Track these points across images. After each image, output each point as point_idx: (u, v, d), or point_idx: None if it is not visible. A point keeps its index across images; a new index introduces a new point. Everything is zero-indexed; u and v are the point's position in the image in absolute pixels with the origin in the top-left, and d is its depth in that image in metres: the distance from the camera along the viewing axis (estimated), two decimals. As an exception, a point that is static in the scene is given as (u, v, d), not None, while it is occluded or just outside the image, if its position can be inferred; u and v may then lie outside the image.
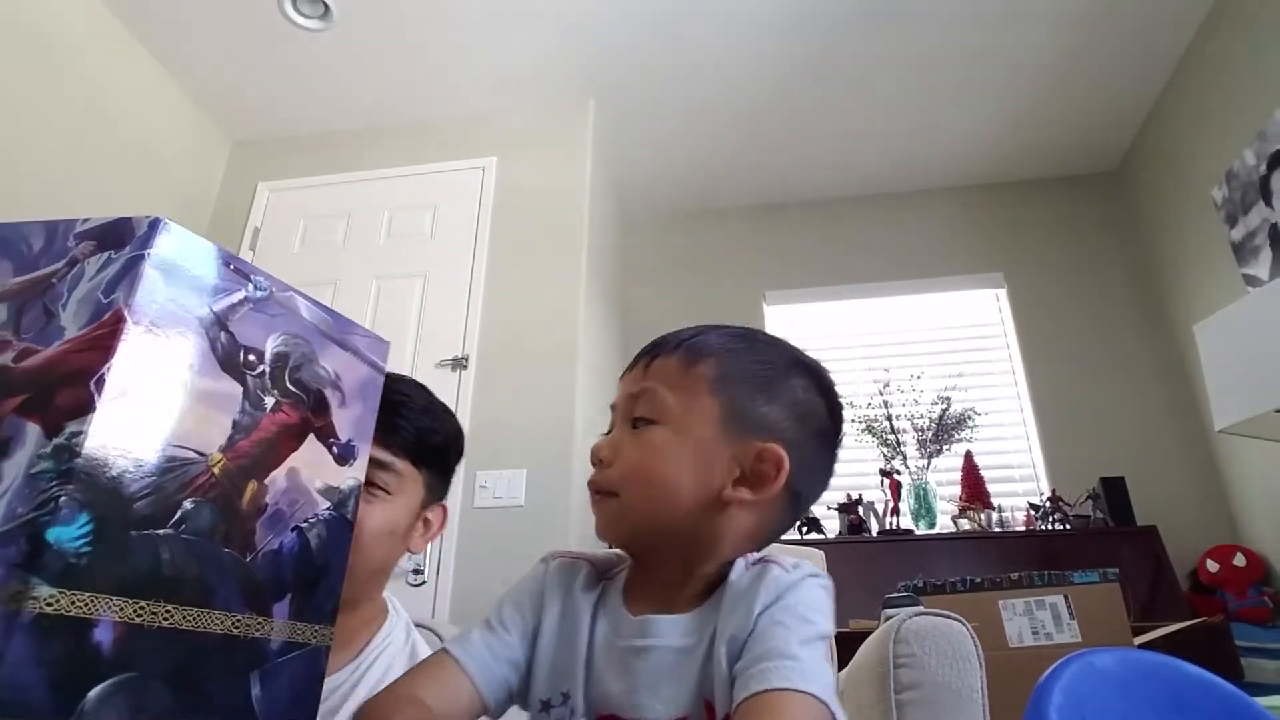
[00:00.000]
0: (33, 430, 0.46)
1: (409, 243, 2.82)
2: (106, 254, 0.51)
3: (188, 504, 0.51)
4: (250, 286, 0.58)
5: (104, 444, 0.47)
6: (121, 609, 0.46)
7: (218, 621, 0.52)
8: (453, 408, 2.63)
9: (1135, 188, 3.27)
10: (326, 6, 2.56)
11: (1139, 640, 1.83)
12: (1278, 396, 1.82)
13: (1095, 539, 2.57)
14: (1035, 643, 1.63)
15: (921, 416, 2.93)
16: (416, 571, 2.25)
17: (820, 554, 1.59)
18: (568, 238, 2.73)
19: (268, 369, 0.58)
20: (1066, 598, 1.69)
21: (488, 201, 2.82)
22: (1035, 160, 3.36)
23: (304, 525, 0.60)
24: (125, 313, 0.49)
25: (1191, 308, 2.81)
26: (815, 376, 0.68)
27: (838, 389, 0.69)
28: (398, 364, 2.56)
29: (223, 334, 0.55)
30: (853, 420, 3.03)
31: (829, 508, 2.86)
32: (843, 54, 2.78)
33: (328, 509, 0.62)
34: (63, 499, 0.44)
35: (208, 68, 2.83)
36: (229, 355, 0.55)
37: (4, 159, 2.20)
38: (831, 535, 2.78)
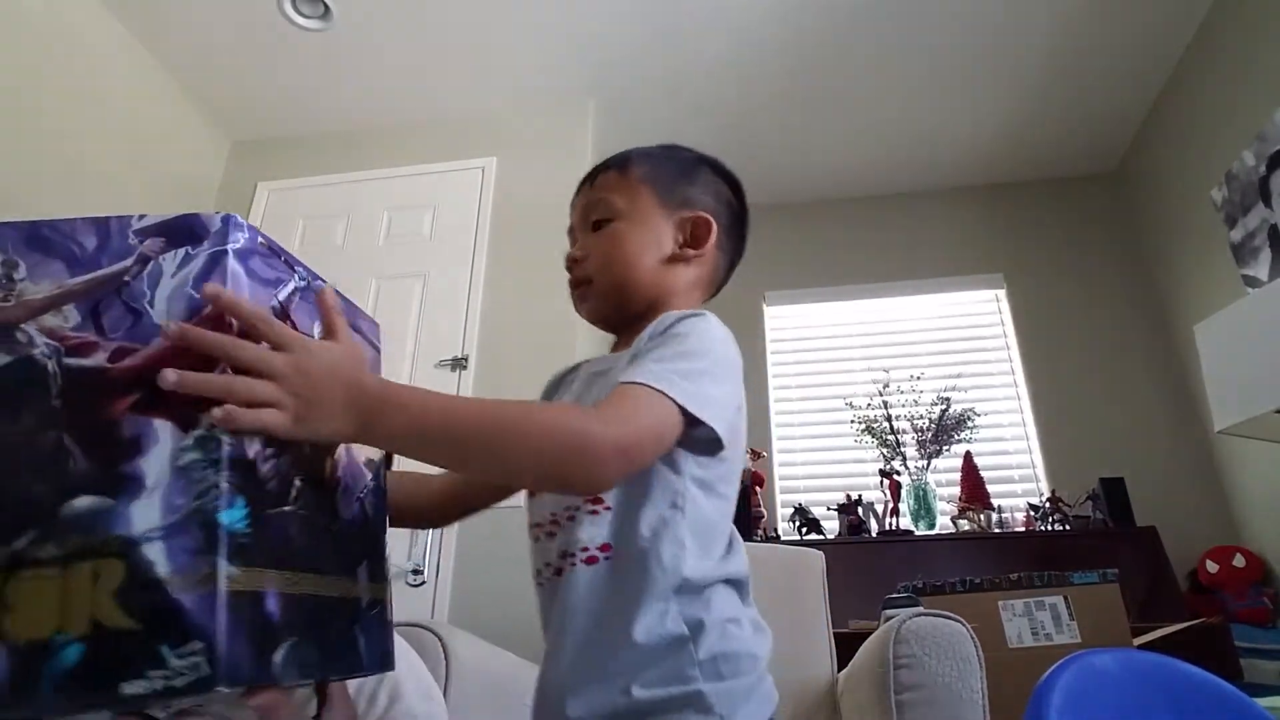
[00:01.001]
0: (163, 427, 0.47)
1: (408, 243, 2.82)
2: (182, 250, 0.52)
3: (298, 481, 0.55)
4: (296, 276, 0.60)
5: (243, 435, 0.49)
6: (277, 580, 0.50)
7: (331, 586, 0.57)
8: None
9: (1135, 188, 3.27)
10: (326, 6, 2.56)
11: (1138, 641, 1.83)
12: (1277, 397, 1.82)
13: (1095, 540, 2.57)
14: (1035, 643, 1.63)
15: (921, 417, 2.93)
16: (416, 571, 2.25)
17: (820, 554, 1.59)
18: (567, 238, 2.73)
19: None
20: (1066, 598, 1.69)
21: (487, 202, 2.82)
22: (1035, 161, 3.36)
23: (361, 496, 0.64)
24: None
25: (1191, 308, 2.81)
26: (716, 165, 0.92)
27: (732, 172, 0.93)
28: (397, 364, 2.56)
29: (289, 323, 0.57)
30: (852, 421, 3.03)
31: (829, 508, 2.86)
32: (842, 54, 2.78)
33: (372, 479, 0.66)
34: (223, 485, 0.47)
35: (207, 67, 2.83)
36: None
37: (2, 159, 2.20)
38: (831, 536, 2.77)
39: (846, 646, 1.41)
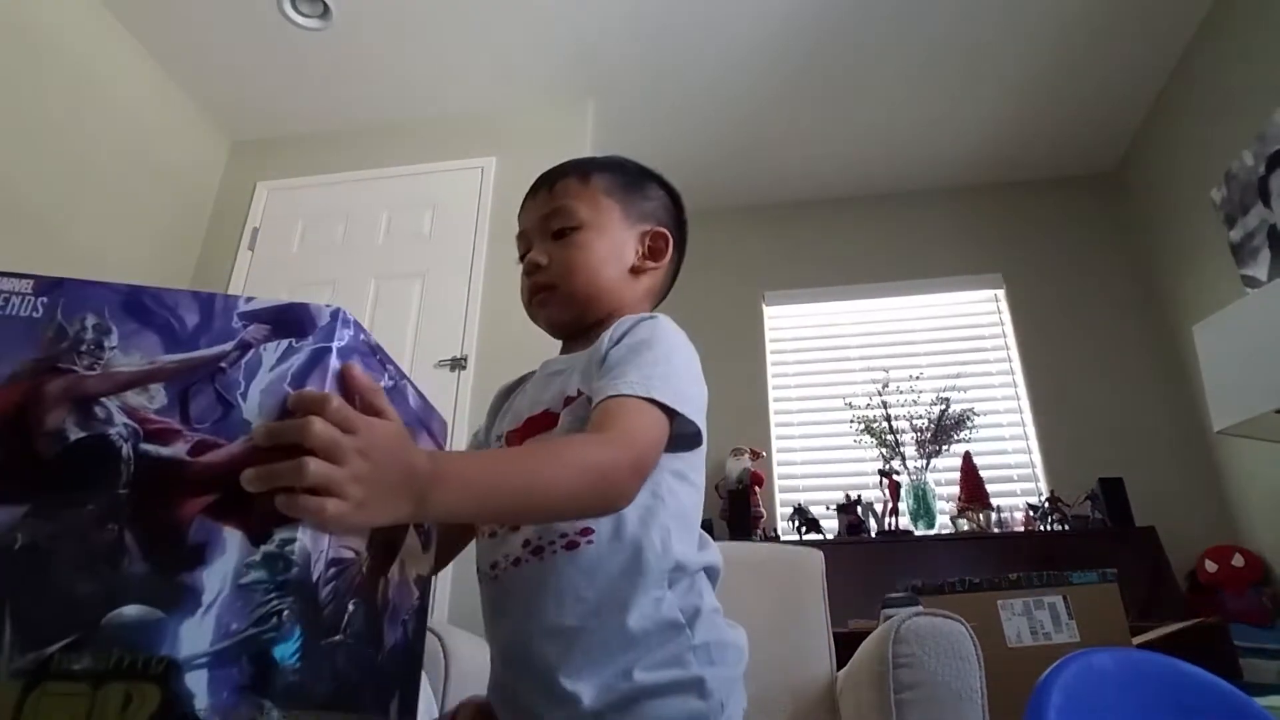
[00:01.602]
0: (232, 536, 0.43)
1: (408, 242, 2.82)
2: (286, 342, 0.48)
3: (351, 605, 0.49)
4: (386, 375, 0.56)
5: (307, 551, 0.44)
6: None
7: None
8: (451, 408, 2.62)
9: (1134, 188, 3.27)
10: (326, 6, 2.56)
11: (1137, 640, 1.83)
12: (1276, 397, 1.82)
13: (1094, 539, 2.57)
14: (1034, 643, 1.63)
15: (920, 417, 2.93)
16: (415, 571, 2.24)
17: (819, 554, 1.59)
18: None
19: None
20: (1065, 598, 1.69)
21: (487, 202, 2.82)
22: (1034, 161, 3.36)
23: (406, 618, 0.58)
24: None
25: (1190, 308, 2.81)
26: (660, 179, 0.95)
27: (675, 188, 0.96)
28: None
29: None
30: (852, 421, 3.03)
31: (828, 508, 2.86)
32: (842, 54, 2.78)
33: (418, 598, 0.61)
34: (285, 614, 0.42)
35: (207, 67, 2.83)
36: None
37: (2, 159, 2.19)
38: (830, 535, 2.77)
39: (846, 646, 1.41)
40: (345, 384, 0.50)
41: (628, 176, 0.91)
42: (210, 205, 3.04)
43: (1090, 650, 0.71)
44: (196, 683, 0.40)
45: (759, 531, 2.81)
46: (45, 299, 0.48)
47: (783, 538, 2.80)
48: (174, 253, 2.80)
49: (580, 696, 0.64)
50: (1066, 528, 2.62)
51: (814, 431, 3.19)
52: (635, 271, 0.87)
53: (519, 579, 0.71)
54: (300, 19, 2.60)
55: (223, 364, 0.48)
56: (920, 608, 1.41)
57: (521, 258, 0.90)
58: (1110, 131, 3.19)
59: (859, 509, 2.79)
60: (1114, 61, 2.82)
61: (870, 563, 2.50)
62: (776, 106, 3.02)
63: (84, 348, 0.47)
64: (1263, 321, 1.92)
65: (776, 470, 3.11)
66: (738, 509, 2.78)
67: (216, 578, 0.42)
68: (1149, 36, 2.71)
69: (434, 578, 0.69)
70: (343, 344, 0.50)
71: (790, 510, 2.84)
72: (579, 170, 0.89)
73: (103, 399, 0.46)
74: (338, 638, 0.48)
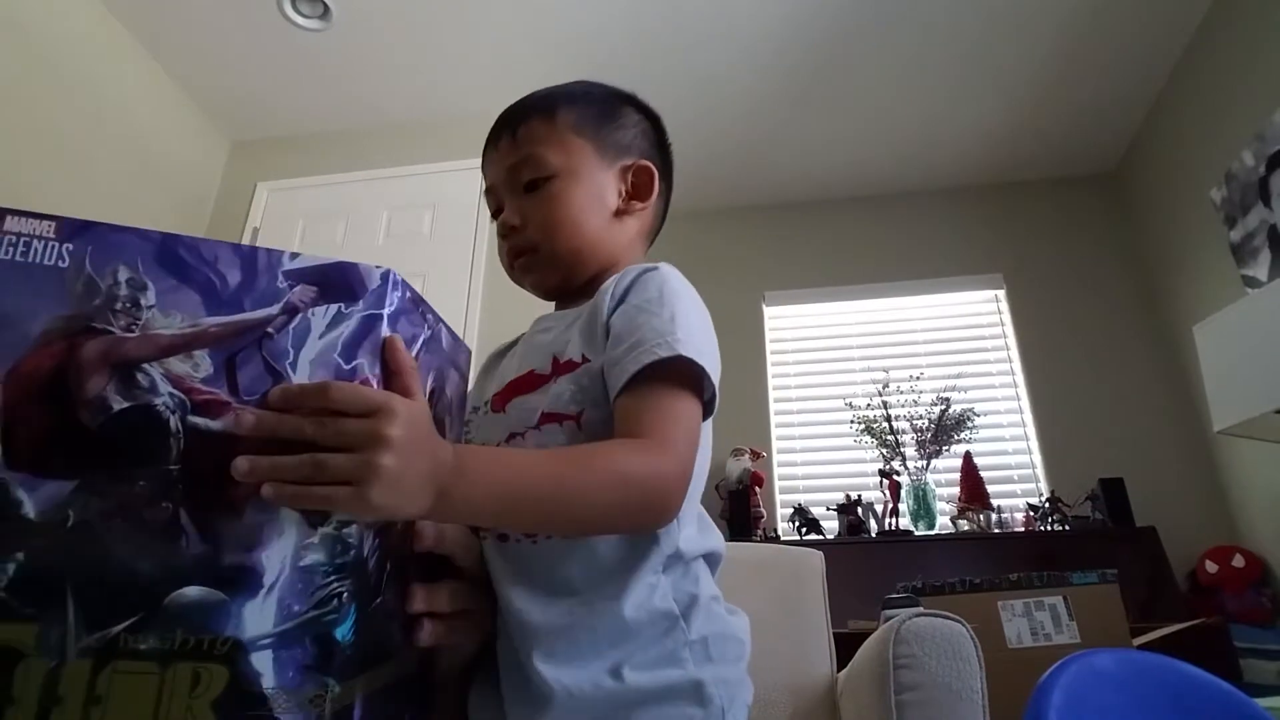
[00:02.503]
0: (289, 517, 0.43)
1: (408, 243, 2.82)
2: (335, 307, 0.46)
3: (389, 565, 0.49)
4: (426, 328, 0.55)
5: (361, 532, 0.45)
6: (364, 683, 0.46)
7: (400, 667, 0.52)
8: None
9: (1134, 189, 3.27)
10: (326, 6, 2.56)
11: (1138, 641, 1.83)
12: (1277, 397, 1.82)
13: (1094, 540, 2.57)
14: (1034, 644, 1.63)
15: (920, 417, 2.93)
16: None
17: (819, 554, 1.59)
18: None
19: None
20: (1065, 599, 1.69)
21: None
22: (1034, 161, 3.36)
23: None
24: (374, 384, 0.46)
25: (1190, 309, 2.81)
26: (635, 100, 0.84)
27: (650, 105, 0.85)
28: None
29: None
30: (852, 421, 3.03)
31: (828, 508, 2.86)
32: (842, 54, 2.78)
33: None
34: (344, 596, 0.43)
35: (207, 67, 2.83)
36: None
37: (3, 159, 2.19)
38: (830, 536, 2.77)
39: (846, 647, 1.41)
40: (386, 357, 0.47)
41: (598, 105, 0.80)
42: (211, 205, 3.04)
43: (1090, 651, 0.71)
44: (263, 663, 0.40)
45: (759, 532, 2.81)
46: (71, 245, 0.44)
47: (783, 538, 2.80)
48: (174, 253, 2.81)
49: (554, 692, 0.57)
50: (1067, 528, 2.62)
51: (814, 432, 3.19)
52: (621, 214, 0.77)
53: (517, 550, 0.63)
54: (300, 19, 2.60)
55: (270, 329, 0.45)
56: (920, 608, 1.41)
57: (495, 215, 0.79)
58: (1110, 131, 3.18)
59: (859, 509, 2.79)
60: (1114, 61, 2.82)
61: (870, 563, 2.50)
62: (777, 106, 3.02)
63: (119, 305, 0.43)
64: (1263, 322, 1.92)
65: (777, 470, 3.11)
66: (738, 509, 2.78)
67: (276, 560, 0.42)
68: (1148, 36, 2.71)
69: None
70: (393, 309, 0.48)
71: (790, 510, 2.84)
72: (542, 108, 0.78)
73: (145, 365, 0.43)
74: (379, 599, 0.48)
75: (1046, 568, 1.78)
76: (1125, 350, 3.09)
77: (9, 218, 0.45)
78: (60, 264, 0.44)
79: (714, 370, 0.64)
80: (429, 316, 0.56)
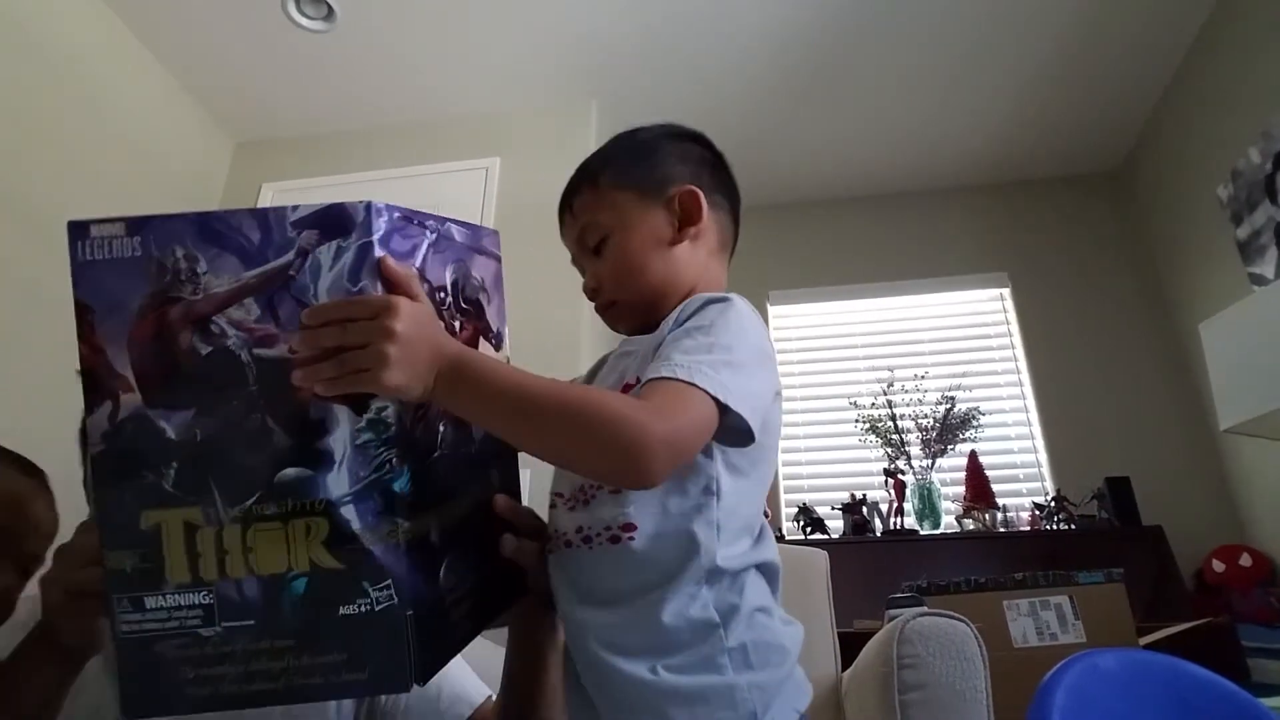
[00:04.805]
0: (341, 411, 0.56)
1: (412, 243, 2.82)
2: (334, 243, 0.56)
3: (441, 427, 0.65)
4: (428, 233, 0.64)
5: (399, 411, 0.58)
6: (436, 516, 0.62)
7: (472, 498, 0.69)
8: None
9: (1140, 187, 3.26)
10: (330, 7, 2.57)
11: (1144, 641, 1.83)
12: (1284, 396, 1.81)
13: (1100, 539, 2.56)
14: (1040, 643, 1.63)
15: (926, 416, 2.92)
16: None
17: (824, 554, 1.59)
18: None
19: (450, 299, 0.67)
20: (1071, 598, 1.69)
21: (490, 202, 2.82)
22: (1039, 160, 3.34)
23: None
24: None
25: (1197, 306, 2.80)
26: (673, 131, 0.89)
27: (693, 129, 0.91)
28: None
29: (424, 286, 0.62)
30: (857, 420, 3.02)
31: (833, 508, 2.86)
32: (845, 54, 2.77)
33: None
34: (394, 460, 0.57)
35: (211, 69, 2.84)
36: (431, 300, 0.63)
37: (4, 160, 2.20)
38: (835, 535, 2.77)
39: (851, 646, 1.41)
40: (383, 274, 0.57)
41: (631, 152, 0.86)
42: (215, 207, 3.04)
43: (1094, 651, 0.70)
44: (349, 513, 0.56)
45: (764, 531, 2.80)
46: (139, 238, 0.57)
47: (788, 537, 2.80)
48: (179, 254, 2.82)
49: (614, 672, 0.64)
50: (1072, 527, 2.61)
51: (819, 431, 3.19)
52: (677, 242, 0.81)
53: (571, 560, 0.70)
54: (304, 20, 2.60)
55: (291, 272, 0.56)
56: (925, 608, 1.41)
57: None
58: (1115, 129, 3.17)
59: (864, 508, 2.79)
60: (1119, 58, 2.81)
61: (875, 562, 2.49)
62: (780, 106, 3.01)
63: (183, 276, 0.56)
64: (1270, 319, 1.91)
65: (782, 469, 3.11)
66: (742, 509, 2.78)
67: (339, 443, 0.56)
68: (1153, 32, 2.70)
69: None
70: (380, 233, 0.57)
71: (795, 510, 2.84)
72: (587, 176, 0.86)
73: (213, 318, 0.56)
74: (436, 454, 0.64)
75: (1052, 567, 1.78)
76: (1131, 348, 3.08)
77: (93, 226, 0.57)
78: (136, 254, 0.56)
79: (744, 405, 0.64)
80: (429, 222, 0.65)
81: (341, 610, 0.56)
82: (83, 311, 0.56)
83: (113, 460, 0.56)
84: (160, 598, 0.55)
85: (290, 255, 0.56)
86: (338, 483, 0.56)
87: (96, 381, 0.55)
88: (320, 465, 0.56)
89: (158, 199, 2.74)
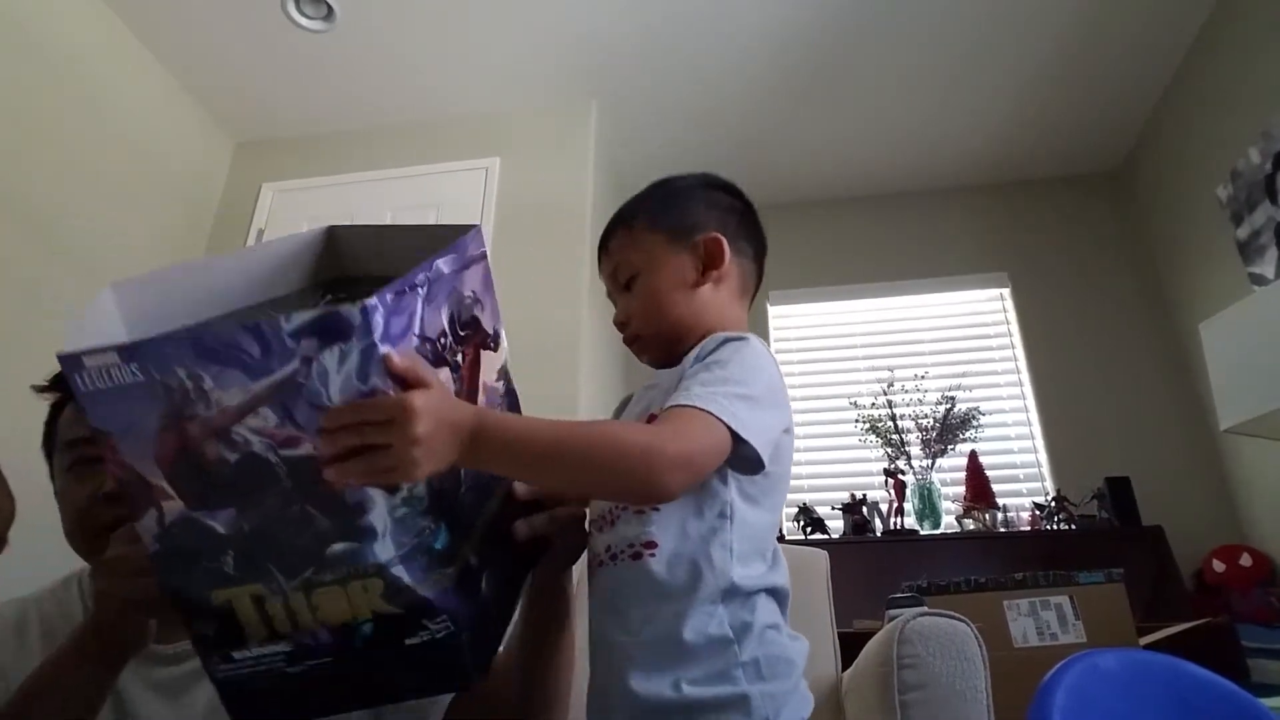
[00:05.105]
0: (375, 493, 0.59)
1: (412, 243, 2.82)
2: (336, 347, 0.56)
3: (463, 473, 0.69)
4: (420, 290, 0.64)
5: (429, 486, 0.62)
6: (471, 545, 0.68)
7: (486, 517, 0.73)
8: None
9: (1139, 187, 3.26)
10: (330, 7, 2.57)
11: (1144, 641, 1.83)
12: (1284, 396, 1.81)
13: (1100, 539, 2.56)
14: (1040, 643, 1.63)
15: (925, 416, 2.92)
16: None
17: (824, 554, 1.59)
18: (570, 239, 2.73)
19: (449, 338, 0.68)
20: (1071, 598, 1.69)
21: (490, 202, 2.82)
22: (1039, 160, 3.35)
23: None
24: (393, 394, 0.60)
25: (1197, 306, 2.80)
26: (708, 180, 0.96)
27: (726, 180, 0.98)
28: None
29: (425, 344, 0.63)
30: (857, 420, 3.02)
31: (833, 508, 2.86)
32: (845, 54, 2.77)
33: (501, 383, 0.78)
34: (430, 528, 0.62)
35: (211, 69, 2.84)
36: (435, 355, 0.64)
37: (4, 160, 2.20)
38: (835, 535, 2.77)
39: (851, 646, 1.40)
40: (390, 371, 0.58)
41: (666, 200, 0.93)
42: (215, 207, 3.04)
43: (1094, 651, 0.71)
44: (400, 572, 0.60)
45: (764, 531, 2.80)
46: (135, 364, 0.55)
47: (788, 537, 2.80)
48: (179, 254, 2.81)
49: (636, 696, 0.69)
50: (1073, 527, 2.61)
51: (819, 431, 3.19)
52: (700, 285, 0.88)
53: (603, 578, 0.76)
54: (304, 20, 2.60)
55: (299, 379, 0.56)
56: (925, 608, 1.41)
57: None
58: (1115, 129, 3.17)
59: (864, 508, 2.78)
60: (1118, 58, 2.81)
61: (875, 562, 2.49)
62: (780, 106, 3.02)
63: (192, 395, 0.56)
64: (1270, 319, 1.91)
65: (781, 470, 3.11)
66: (742, 509, 2.78)
67: (379, 518, 0.59)
68: (1153, 32, 2.70)
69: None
70: (379, 331, 0.57)
71: (795, 510, 2.84)
72: (623, 219, 0.92)
73: (234, 429, 0.57)
74: (463, 489, 0.68)
75: (1052, 567, 1.78)
76: (1131, 348, 3.08)
77: (84, 357, 0.54)
78: (138, 379, 0.55)
79: (756, 437, 0.70)
80: (418, 279, 0.64)
81: (407, 641, 0.63)
82: (102, 437, 0.56)
83: (170, 558, 0.60)
84: (246, 650, 0.62)
85: (295, 364, 0.56)
86: (384, 549, 0.59)
87: (134, 497, 0.58)
88: (366, 539, 0.59)
89: (158, 199, 2.74)
